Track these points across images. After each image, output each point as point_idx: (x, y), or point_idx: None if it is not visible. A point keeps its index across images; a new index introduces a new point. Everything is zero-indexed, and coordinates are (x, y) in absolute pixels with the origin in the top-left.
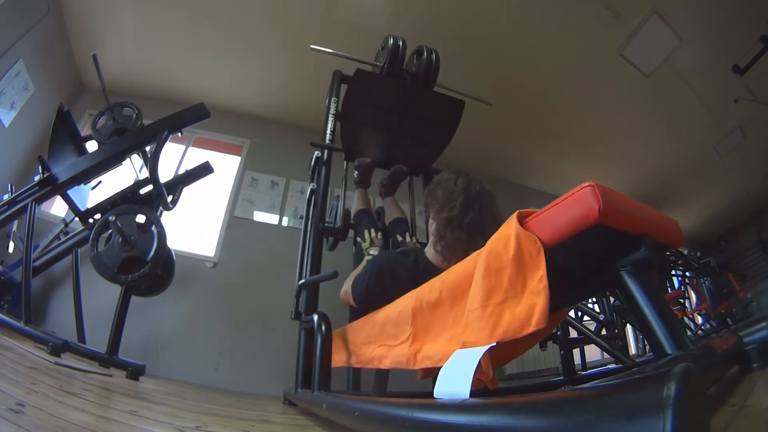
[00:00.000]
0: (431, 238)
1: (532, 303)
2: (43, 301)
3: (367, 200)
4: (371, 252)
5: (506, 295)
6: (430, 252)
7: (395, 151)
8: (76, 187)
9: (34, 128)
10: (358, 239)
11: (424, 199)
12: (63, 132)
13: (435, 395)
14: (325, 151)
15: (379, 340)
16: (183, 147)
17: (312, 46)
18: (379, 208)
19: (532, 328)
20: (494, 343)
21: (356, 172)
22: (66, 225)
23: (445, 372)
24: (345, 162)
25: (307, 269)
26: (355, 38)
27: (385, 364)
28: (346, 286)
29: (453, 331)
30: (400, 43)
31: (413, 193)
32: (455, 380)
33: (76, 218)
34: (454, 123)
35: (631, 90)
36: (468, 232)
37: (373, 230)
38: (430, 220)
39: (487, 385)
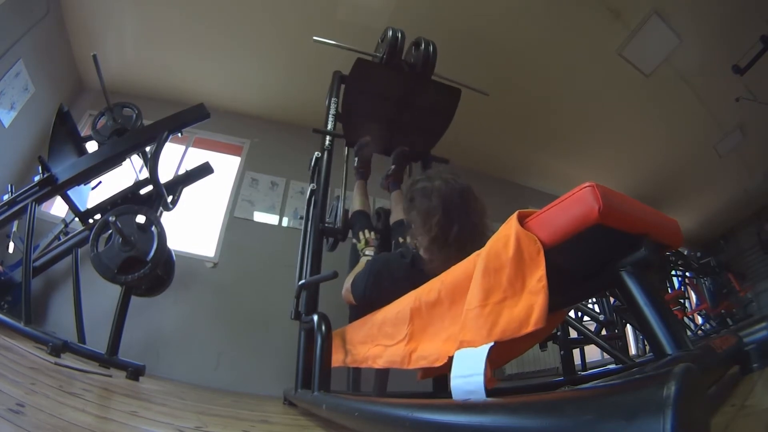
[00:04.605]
0: (422, 253)
1: (530, 303)
2: (43, 301)
3: (366, 199)
4: (367, 252)
5: (505, 294)
6: (425, 261)
7: (394, 139)
8: (76, 188)
9: (34, 128)
10: (354, 240)
11: (405, 217)
12: (63, 132)
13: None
14: (326, 143)
15: (376, 340)
16: (183, 147)
17: (315, 38)
18: (379, 209)
19: (530, 328)
20: (492, 343)
21: (356, 159)
22: (66, 225)
23: (456, 376)
24: (345, 151)
25: (307, 269)
26: (356, 38)
27: (380, 364)
28: (347, 284)
29: (450, 331)
30: (399, 35)
31: None
32: (468, 384)
33: (76, 218)
34: (451, 111)
35: (631, 90)
36: (456, 247)
37: (367, 231)
38: (418, 237)
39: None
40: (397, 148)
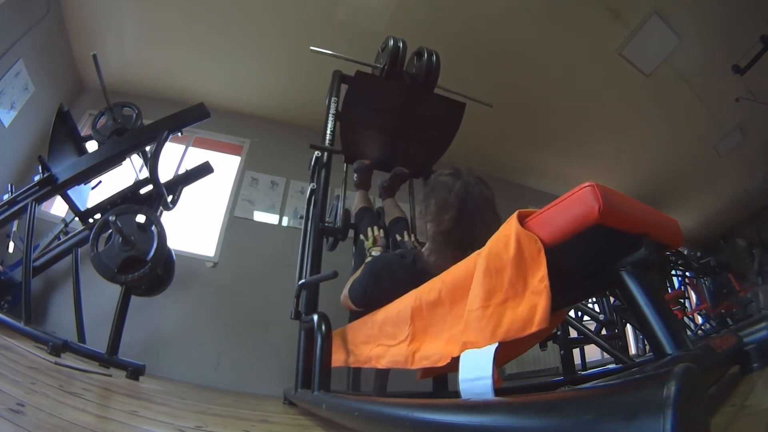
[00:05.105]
0: (427, 243)
1: (533, 303)
2: (43, 301)
3: (368, 200)
4: (373, 252)
5: (507, 295)
6: (426, 254)
7: (395, 153)
8: (76, 187)
9: (34, 128)
10: (361, 237)
11: (422, 201)
12: (63, 132)
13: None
14: (325, 153)
15: (378, 340)
16: (183, 147)
17: (312, 48)
18: (379, 208)
19: (534, 328)
20: (497, 344)
21: (355, 175)
22: (66, 225)
23: (465, 379)
24: (344, 167)
25: (307, 269)
26: (356, 39)
27: (383, 364)
28: (346, 290)
29: (452, 331)
30: (401, 45)
31: (413, 195)
32: (478, 388)
33: (76, 218)
34: (454, 125)
35: (631, 90)
36: (455, 247)
37: (375, 228)
38: (427, 224)
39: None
40: (396, 168)
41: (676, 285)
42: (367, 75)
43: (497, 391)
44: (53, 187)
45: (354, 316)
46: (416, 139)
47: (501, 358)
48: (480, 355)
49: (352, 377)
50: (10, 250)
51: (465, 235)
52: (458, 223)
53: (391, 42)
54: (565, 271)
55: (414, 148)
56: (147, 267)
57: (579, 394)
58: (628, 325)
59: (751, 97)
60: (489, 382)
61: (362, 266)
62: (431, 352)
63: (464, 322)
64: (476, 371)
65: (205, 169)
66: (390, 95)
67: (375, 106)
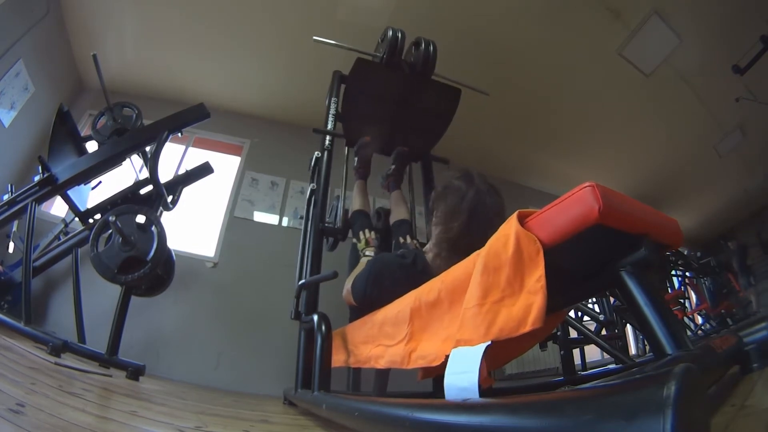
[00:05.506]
0: (431, 245)
1: (529, 302)
2: (43, 301)
3: (366, 198)
4: (367, 253)
5: (503, 294)
6: (429, 256)
7: (394, 141)
8: (76, 187)
9: (34, 128)
10: (354, 240)
11: (430, 202)
12: (63, 132)
13: (447, 398)
14: (326, 142)
15: (377, 340)
16: (183, 147)
17: (315, 38)
18: (379, 209)
19: (528, 328)
20: (489, 342)
21: (356, 159)
22: (66, 225)
23: (450, 373)
24: (346, 150)
25: (307, 269)
26: (356, 39)
27: (381, 364)
28: (348, 285)
29: (449, 330)
30: (399, 35)
31: (413, 191)
32: (462, 381)
33: (76, 218)
34: (450, 111)
35: (631, 90)
36: (463, 253)
37: (367, 231)
38: (433, 226)
39: (481, 383)
40: (396, 148)
41: (676, 285)
42: (367, 62)
43: (488, 391)
44: (53, 187)
45: (354, 315)
46: (414, 126)
47: (499, 358)
48: (470, 353)
49: (352, 377)
50: (10, 250)
51: (473, 243)
52: (468, 231)
53: (390, 32)
54: (565, 271)
55: (412, 135)
56: (147, 267)
57: (579, 394)
58: (628, 325)
59: (751, 97)
60: (475, 378)
61: (365, 263)
62: (427, 352)
63: (460, 320)
64: (464, 368)
65: (205, 170)
66: (389, 83)
67: (374, 93)
